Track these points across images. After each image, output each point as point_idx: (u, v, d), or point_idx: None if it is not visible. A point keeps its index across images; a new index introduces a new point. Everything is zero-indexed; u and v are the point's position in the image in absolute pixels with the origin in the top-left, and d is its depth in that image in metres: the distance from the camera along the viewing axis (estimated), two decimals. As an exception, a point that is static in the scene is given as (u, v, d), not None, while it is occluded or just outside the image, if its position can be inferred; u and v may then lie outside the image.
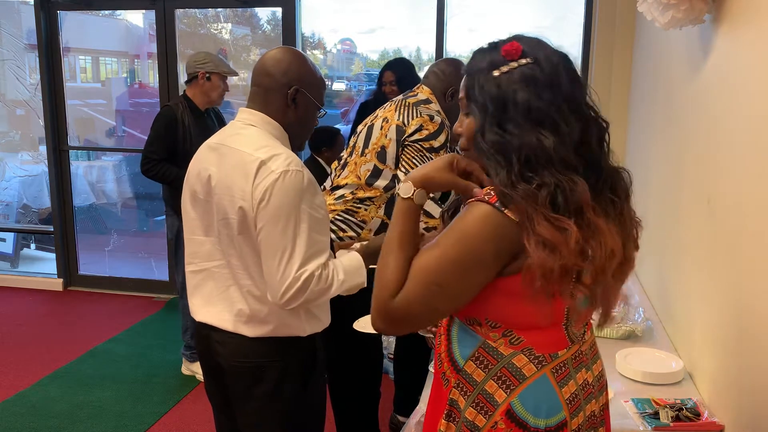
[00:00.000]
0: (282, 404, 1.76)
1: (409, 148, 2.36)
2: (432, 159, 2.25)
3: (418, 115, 2.38)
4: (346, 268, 1.71)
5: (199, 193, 1.75)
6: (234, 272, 1.72)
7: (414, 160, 2.36)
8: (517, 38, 1.20)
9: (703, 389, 1.91)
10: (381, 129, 2.42)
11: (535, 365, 1.23)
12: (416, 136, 2.36)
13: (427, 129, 2.35)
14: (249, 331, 1.72)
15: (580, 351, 1.28)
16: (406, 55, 4.71)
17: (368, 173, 2.40)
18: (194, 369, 3.64)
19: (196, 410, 3.31)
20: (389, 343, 3.64)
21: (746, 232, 1.62)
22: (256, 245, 1.66)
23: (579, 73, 1.23)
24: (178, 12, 4.71)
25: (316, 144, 3.74)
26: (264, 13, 4.98)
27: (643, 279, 2.91)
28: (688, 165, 2.19)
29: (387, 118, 2.43)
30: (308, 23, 4.75)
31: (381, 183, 2.40)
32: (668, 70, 2.61)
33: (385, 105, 2.55)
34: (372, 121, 2.50)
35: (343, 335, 2.15)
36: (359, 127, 2.55)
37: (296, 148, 1.82)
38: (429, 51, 4.26)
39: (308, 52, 5.06)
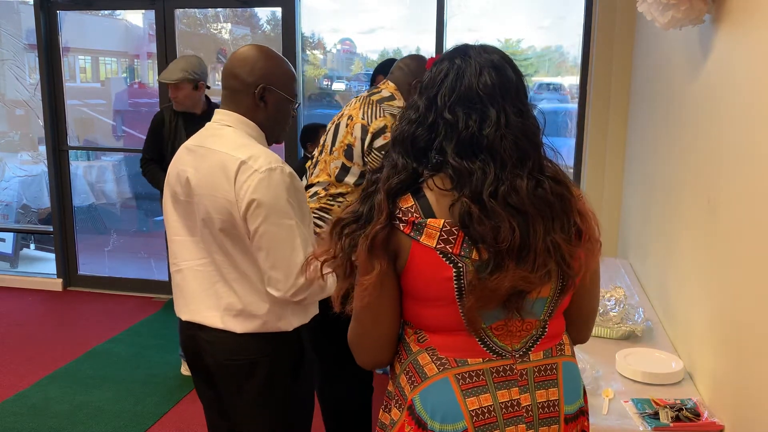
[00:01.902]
0: (273, 398, 1.79)
1: (375, 156, 2.39)
2: None
3: (381, 115, 2.40)
4: (331, 277, 1.75)
5: (180, 194, 1.78)
6: (219, 269, 1.75)
7: None
8: (448, 51, 1.30)
9: (703, 389, 1.91)
10: (346, 127, 2.46)
11: (437, 366, 1.24)
12: (380, 141, 2.37)
13: (390, 131, 2.36)
14: (238, 326, 1.75)
15: (509, 368, 1.24)
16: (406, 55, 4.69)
17: (337, 170, 2.45)
18: None
19: (195, 410, 3.31)
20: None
21: (746, 232, 1.62)
22: (243, 241, 1.69)
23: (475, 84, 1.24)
24: (178, 12, 4.71)
25: (302, 141, 3.89)
26: (264, 13, 4.98)
27: (643, 279, 2.91)
28: (688, 165, 2.19)
29: (351, 116, 2.47)
30: (308, 23, 4.74)
31: (350, 179, 2.45)
32: (668, 70, 2.61)
33: (351, 101, 2.58)
34: (338, 119, 2.53)
35: (331, 327, 2.16)
36: (329, 125, 2.59)
37: (273, 142, 1.86)
38: (429, 51, 4.26)
39: (308, 52, 5.05)
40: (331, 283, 1.75)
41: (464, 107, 1.20)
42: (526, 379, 1.25)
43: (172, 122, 3.47)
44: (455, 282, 1.19)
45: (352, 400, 2.64)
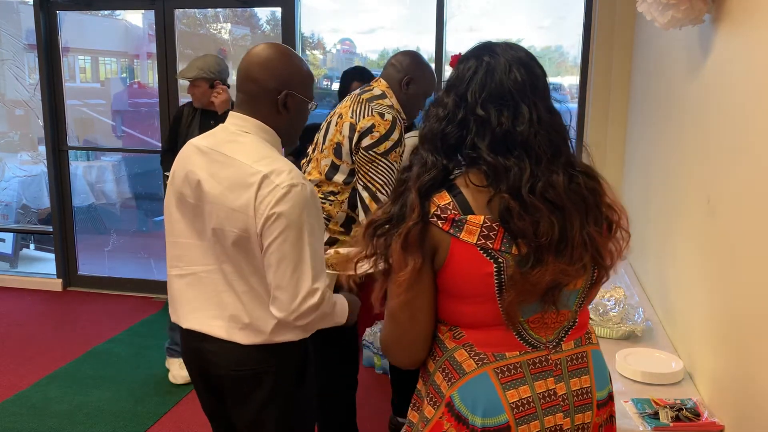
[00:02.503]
0: (279, 405, 1.77)
1: (362, 156, 2.38)
2: (385, 163, 2.34)
3: (369, 114, 2.39)
4: (339, 305, 1.75)
5: (189, 197, 1.71)
6: (227, 278, 1.70)
7: (368, 168, 2.38)
8: (472, 48, 1.31)
9: (703, 389, 1.90)
10: (336, 125, 2.47)
11: (475, 362, 1.25)
12: (367, 141, 2.36)
13: (378, 131, 2.36)
14: (244, 338, 1.70)
15: (545, 358, 1.27)
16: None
17: (327, 168, 2.46)
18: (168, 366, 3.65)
19: (195, 410, 3.30)
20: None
21: (746, 231, 1.62)
22: (256, 257, 1.64)
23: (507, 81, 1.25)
24: (178, 12, 4.71)
25: (302, 142, 3.81)
26: (264, 13, 4.98)
27: (643, 279, 2.91)
28: (688, 165, 2.19)
29: (341, 114, 2.47)
30: (308, 23, 4.74)
31: (339, 177, 2.45)
32: (668, 70, 2.60)
33: (344, 99, 2.58)
34: (330, 117, 2.55)
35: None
36: (323, 124, 2.59)
37: (289, 145, 1.82)
38: (429, 51, 4.26)
39: (308, 52, 5.06)
40: (338, 312, 1.72)
41: (496, 104, 1.22)
42: (560, 368, 1.28)
43: (189, 117, 3.57)
44: (495, 277, 1.21)
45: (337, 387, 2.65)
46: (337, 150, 2.43)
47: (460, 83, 1.26)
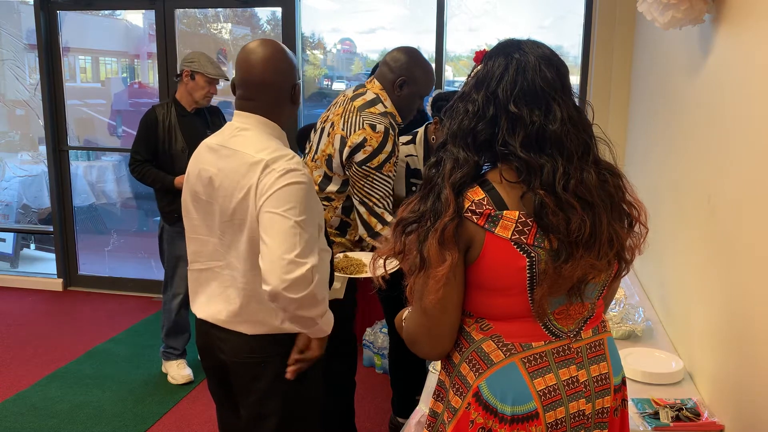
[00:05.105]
0: (281, 397, 1.80)
1: (356, 171, 2.34)
2: (380, 176, 2.31)
3: (361, 126, 2.32)
4: (328, 313, 1.74)
5: (201, 194, 1.77)
6: (233, 273, 1.76)
7: (363, 182, 2.34)
8: (498, 44, 1.32)
9: (703, 389, 1.91)
10: (328, 136, 2.42)
11: (503, 352, 1.28)
12: (360, 156, 2.30)
13: (370, 144, 2.30)
14: (246, 329, 1.77)
15: (567, 347, 1.30)
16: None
17: (320, 178, 2.44)
18: (167, 369, 3.65)
19: (195, 410, 3.31)
20: (383, 340, 3.63)
21: (746, 231, 1.62)
22: (257, 251, 1.66)
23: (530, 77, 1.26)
24: (178, 12, 4.71)
25: (299, 144, 3.82)
26: (264, 13, 4.98)
27: (643, 279, 2.91)
28: (688, 164, 2.19)
29: (334, 123, 2.41)
30: (308, 23, 4.74)
31: (333, 188, 2.42)
32: (668, 70, 2.60)
33: (336, 100, 2.52)
34: (323, 123, 2.49)
35: None
36: (318, 124, 2.55)
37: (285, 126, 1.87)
38: (429, 51, 4.25)
39: (308, 52, 5.05)
40: (322, 299, 1.66)
41: (528, 102, 1.23)
42: (581, 356, 1.32)
43: (165, 122, 3.47)
44: (528, 271, 1.23)
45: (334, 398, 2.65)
46: (329, 162, 2.40)
47: (490, 80, 1.26)
